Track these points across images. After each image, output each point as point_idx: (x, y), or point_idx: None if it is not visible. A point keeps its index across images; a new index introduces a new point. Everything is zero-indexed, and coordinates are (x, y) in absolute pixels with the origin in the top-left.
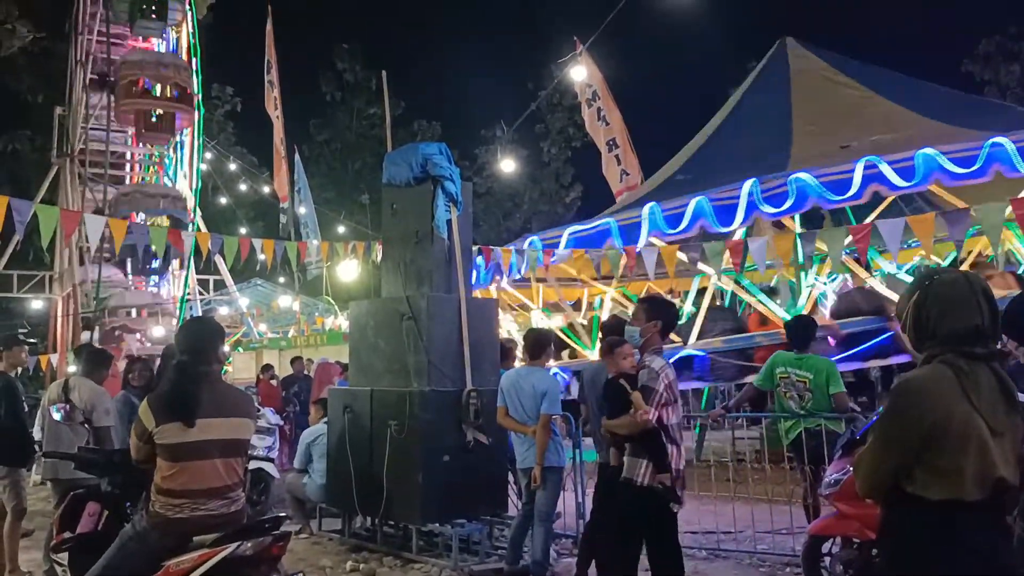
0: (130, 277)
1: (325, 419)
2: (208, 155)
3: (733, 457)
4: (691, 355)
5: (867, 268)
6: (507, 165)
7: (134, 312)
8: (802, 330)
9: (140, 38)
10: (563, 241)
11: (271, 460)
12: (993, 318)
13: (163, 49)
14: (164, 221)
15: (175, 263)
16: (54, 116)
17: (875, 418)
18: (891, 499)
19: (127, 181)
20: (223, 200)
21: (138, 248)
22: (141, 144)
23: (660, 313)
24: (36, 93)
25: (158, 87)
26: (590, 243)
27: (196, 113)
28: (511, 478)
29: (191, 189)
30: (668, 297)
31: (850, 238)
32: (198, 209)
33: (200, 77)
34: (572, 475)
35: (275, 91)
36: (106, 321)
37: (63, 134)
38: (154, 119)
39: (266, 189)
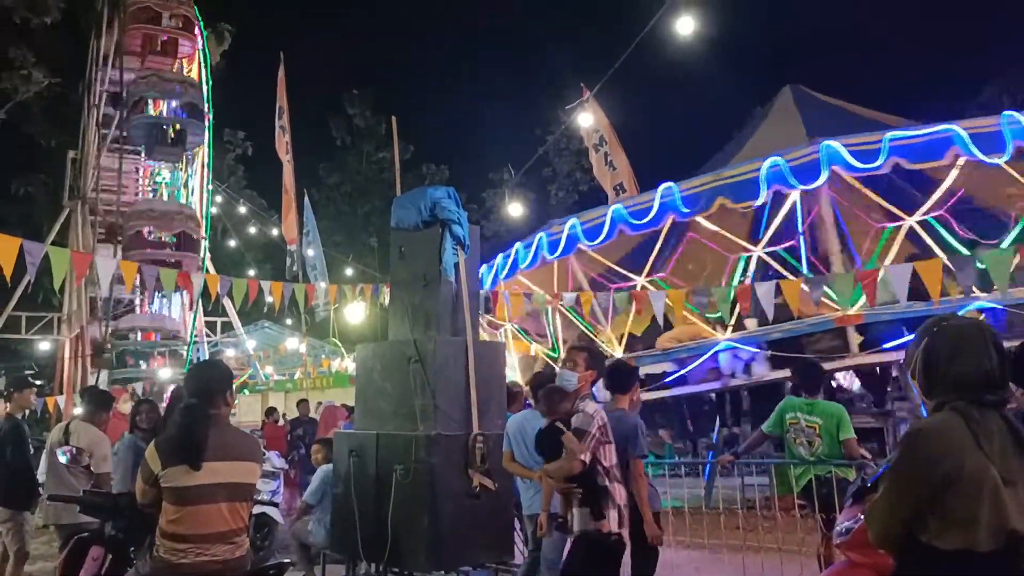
0: (137, 299)
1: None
2: (218, 198)
3: (743, 504)
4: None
5: None
6: (515, 209)
7: (143, 364)
8: (810, 374)
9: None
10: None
11: (275, 505)
12: (1002, 365)
13: (175, 103)
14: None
15: (185, 302)
16: (67, 160)
17: (886, 465)
18: (904, 548)
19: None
20: (232, 243)
21: (148, 286)
22: (152, 166)
23: (598, 364)
24: (50, 137)
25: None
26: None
27: (205, 133)
28: (517, 524)
29: (202, 211)
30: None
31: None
32: (207, 252)
33: (211, 132)
34: None
35: (286, 136)
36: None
37: (76, 178)
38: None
39: (275, 232)
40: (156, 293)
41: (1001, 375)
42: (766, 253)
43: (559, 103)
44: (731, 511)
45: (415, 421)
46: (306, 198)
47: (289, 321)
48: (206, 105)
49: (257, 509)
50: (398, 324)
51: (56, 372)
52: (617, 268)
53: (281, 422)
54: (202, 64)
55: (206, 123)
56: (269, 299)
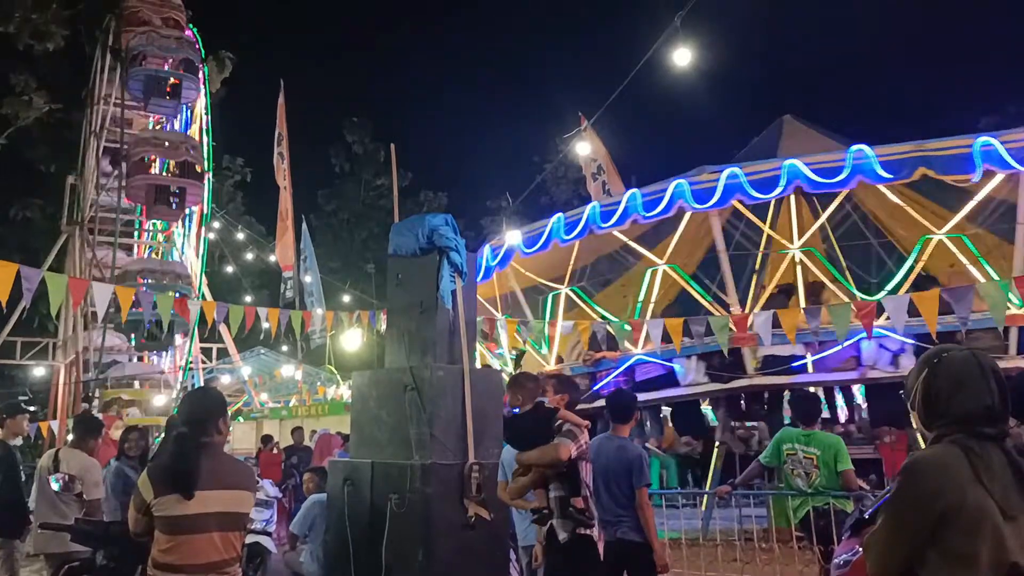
0: (132, 345)
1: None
2: (216, 224)
3: (740, 536)
4: None
5: None
6: (513, 236)
7: (136, 384)
8: (807, 405)
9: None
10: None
11: (268, 534)
12: (1003, 398)
13: (177, 123)
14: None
15: (178, 336)
16: (66, 185)
17: (885, 497)
18: None
19: (135, 249)
20: (229, 269)
21: (144, 316)
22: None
23: (567, 388)
24: (49, 162)
25: (169, 163)
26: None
27: (205, 189)
28: (512, 555)
29: (198, 258)
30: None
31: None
32: (203, 277)
33: (211, 151)
34: None
35: (284, 163)
36: (107, 382)
37: (74, 202)
38: (163, 198)
39: (272, 258)
40: (149, 353)
41: (1001, 409)
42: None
43: (557, 131)
44: (729, 543)
45: (411, 450)
46: (304, 224)
47: (285, 348)
48: (205, 162)
49: (250, 538)
50: (395, 351)
51: (50, 398)
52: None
53: (276, 450)
54: (203, 124)
55: (205, 181)
56: (266, 325)
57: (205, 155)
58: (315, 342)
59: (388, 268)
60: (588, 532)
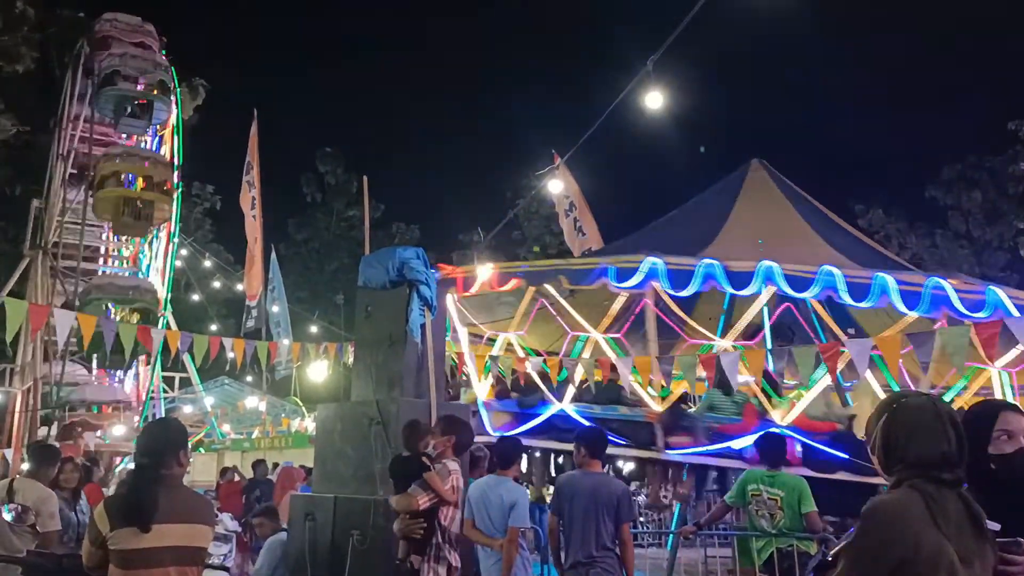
0: (94, 372)
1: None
2: (183, 251)
3: None
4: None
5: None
6: (484, 271)
7: (96, 408)
8: (772, 447)
9: (123, 136)
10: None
11: (226, 569)
12: (960, 444)
13: (146, 143)
14: (134, 317)
15: (141, 358)
16: (30, 209)
17: (845, 538)
18: None
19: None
20: (196, 297)
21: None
22: (116, 238)
23: (455, 430)
24: (14, 185)
25: (137, 179)
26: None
27: (173, 206)
28: None
29: (163, 284)
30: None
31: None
32: (169, 306)
33: (181, 174)
34: None
35: (252, 191)
36: (65, 415)
37: (38, 227)
38: (131, 211)
39: (240, 287)
40: (108, 371)
41: (958, 454)
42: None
43: (530, 167)
44: None
45: (375, 484)
46: (273, 253)
47: (250, 378)
48: (176, 175)
49: (208, 574)
50: (361, 384)
51: (6, 425)
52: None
53: (236, 479)
54: (173, 146)
55: (173, 198)
56: (231, 355)
57: (175, 168)
58: (280, 373)
59: (357, 300)
60: None
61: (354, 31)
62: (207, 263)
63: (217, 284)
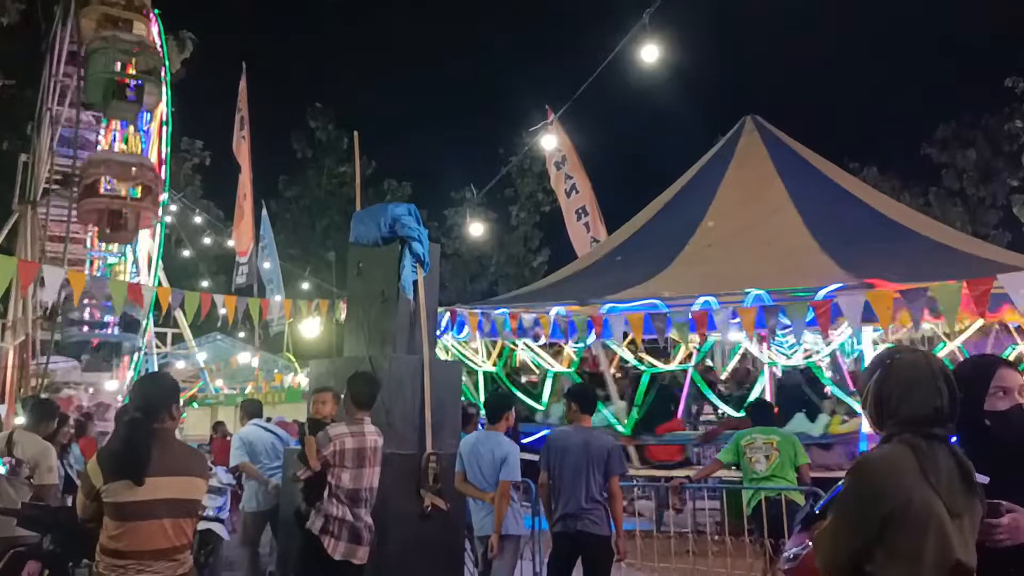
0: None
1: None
2: (173, 207)
3: (694, 529)
4: None
5: None
6: (475, 228)
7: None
8: (761, 409)
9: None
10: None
11: (221, 521)
12: (952, 400)
13: (132, 129)
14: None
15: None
16: (18, 163)
17: (834, 492)
18: None
19: (87, 265)
20: (186, 253)
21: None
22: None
23: (350, 387)
24: (1, 140)
25: (121, 188)
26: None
27: (159, 210)
28: (468, 545)
29: (150, 272)
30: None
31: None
32: (160, 262)
33: (170, 144)
34: (530, 544)
35: (245, 145)
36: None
37: (26, 181)
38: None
39: (230, 243)
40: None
41: (950, 410)
42: None
43: (523, 124)
44: (682, 535)
45: None
46: (263, 210)
47: (242, 334)
48: (163, 173)
49: (202, 525)
50: (354, 341)
51: None
52: None
53: (229, 436)
54: (163, 133)
55: (159, 203)
56: (223, 311)
57: (163, 168)
58: (273, 329)
59: (349, 257)
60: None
61: None
62: (197, 219)
63: (207, 241)
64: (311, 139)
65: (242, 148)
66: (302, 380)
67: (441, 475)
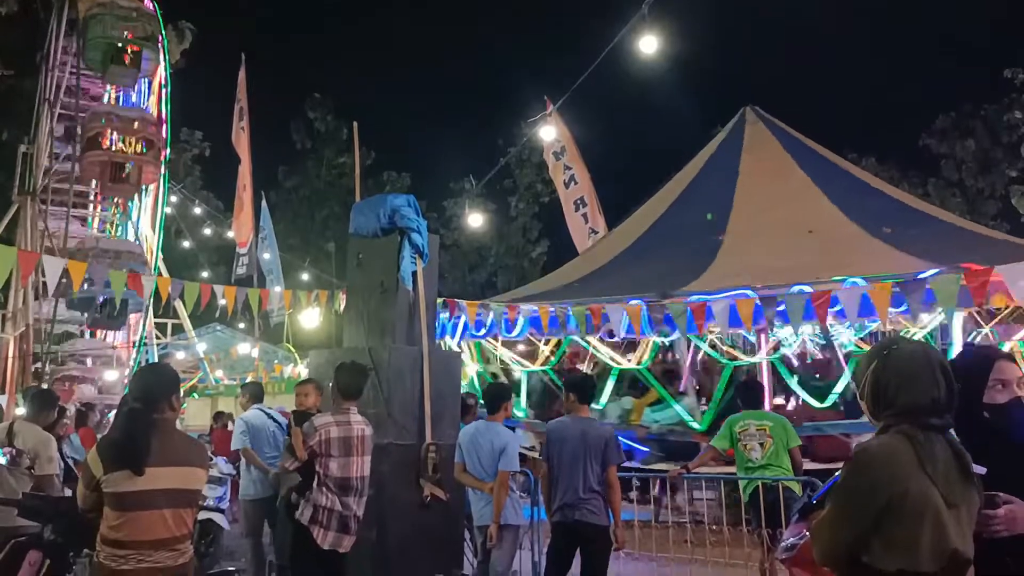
0: (86, 324)
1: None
2: (173, 198)
3: (691, 518)
4: None
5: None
6: (475, 219)
7: (89, 362)
8: (750, 392)
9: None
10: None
11: (221, 511)
12: (949, 391)
13: (134, 96)
14: (139, 147)
15: (131, 317)
16: (18, 154)
17: (832, 481)
18: (847, 568)
19: (91, 221)
20: (186, 244)
21: (96, 293)
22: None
23: (337, 377)
24: (0, 130)
25: (125, 139)
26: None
27: (162, 167)
28: (467, 535)
29: (154, 231)
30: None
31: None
32: (159, 253)
33: (170, 125)
34: (529, 534)
35: (245, 136)
36: (57, 367)
37: (27, 171)
38: (121, 172)
39: (230, 234)
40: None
41: (947, 401)
42: None
43: (522, 114)
44: (679, 525)
45: None
46: (263, 201)
47: (242, 325)
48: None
49: (203, 515)
50: (353, 331)
51: None
52: None
53: (230, 427)
54: (161, 96)
55: (162, 159)
56: (222, 302)
57: (164, 127)
58: (273, 320)
59: (348, 247)
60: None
61: None
62: (197, 210)
63: (207, 231)
64: (310, 130)
65: (241, 139)
66: (302, 371)
67: (440, 465)
